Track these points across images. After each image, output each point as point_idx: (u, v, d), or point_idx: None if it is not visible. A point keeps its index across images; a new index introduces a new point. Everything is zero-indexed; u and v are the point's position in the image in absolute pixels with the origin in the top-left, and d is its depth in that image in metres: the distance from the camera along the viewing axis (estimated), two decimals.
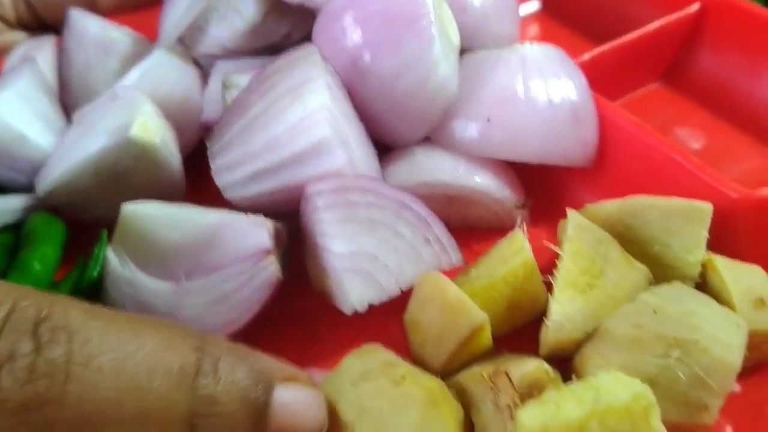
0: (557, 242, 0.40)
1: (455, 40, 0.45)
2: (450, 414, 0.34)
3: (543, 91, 0.45)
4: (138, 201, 0.41)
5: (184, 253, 0.39)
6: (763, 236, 0.42)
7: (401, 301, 0.40)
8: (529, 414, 0.30)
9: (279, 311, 0.41)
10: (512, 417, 0.32)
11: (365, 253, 0.39)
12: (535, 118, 0.44)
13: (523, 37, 0.53)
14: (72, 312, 0.28)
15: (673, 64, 0.57)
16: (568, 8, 0.64)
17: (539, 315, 0.38)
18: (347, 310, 0.39)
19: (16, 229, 0.46)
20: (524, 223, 0.40)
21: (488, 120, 0.44)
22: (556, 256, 0.38)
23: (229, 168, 0.41)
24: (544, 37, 0.63)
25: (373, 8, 0.42)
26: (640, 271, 0.38)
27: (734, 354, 0.33)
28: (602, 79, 0.49)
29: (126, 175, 0.45)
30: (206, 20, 0.50)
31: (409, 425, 0.33)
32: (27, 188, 0.47)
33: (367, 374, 0.35)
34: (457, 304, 0.36)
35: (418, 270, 0.40)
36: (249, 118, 0.41)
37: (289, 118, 0.39)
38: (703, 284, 0.39)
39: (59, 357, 0.27)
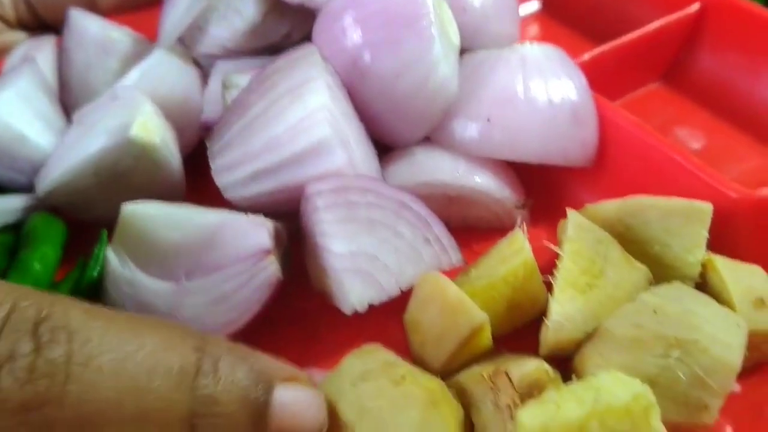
0: (557, 242, 0.40)
1: (455, 40, 0.45)
2: (450, 414, 0.34)
3: (543, 91, 0.45)
4: (138, 201, 0.41)
5: (184, 253, 0.39)
6: (763, 236, 0.42)
7: (401, 301, 0.40)
8: (529, 414, 0.30)
9: (279, 311, 0.41)
10: (512, 417, 0.32)
11: (365, 253, 0.39)
12: (535, 118, 0.44)
13: (523, 37, 0.53)
14: (72, 312, 0.28)
15: (673, 64, 0.57)
16: (568, 8, 0.64)
17: (539, 315, 0.38)
18: (347, 310, 0.39)
19: (16, 229, 0.46)
20: (524, 223, 0.40)
21: (488, 120, 0.44)
22: (556, 256, 0.38)
23: (229, 168, 0.41)
24: (544, 37, 0.63)
25: (373, 8, 0.42)
26: (640, 271, 0.38)
27: (734, 354, 0.33)
28: (602, 79, 0.49)
29: (126, 175, 0.45)
30: (206, 20, 0.50)
31: (409, 425, 0.33)
32: (27, 188, 0.47)
33: (367, 374, 0.35)
34: (457, 304, 0.36)
35: (418, 270, 0.40)
36: (249, 118, 0.41)
37: (289, 118, 0.39)
38: (703, 284, 0.39)
39: (59, 357, 0.27)
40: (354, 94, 0.43)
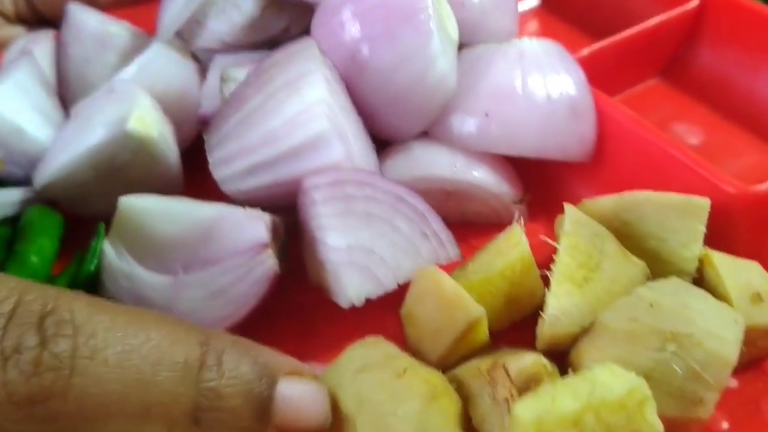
0: (555, 237, 0.40)
1: (454, 35, 0.45)
2: (450, 407, 0.34)
3: (541, 86, 0.45)
4: (135, 194, 0.41)
5: (182, 247, 0.39)
6: (760, 232, 0.42)
7: (398, 295, 0.40)
8: (525, 407, 0.30)
9: (276, 305, 0.41)
10: (510, 410, 0.32)
11: (362, 247, 0.39)
12: (533, 113, 0.44)
13: (522, 33, 0.53)
14: (77, 305, 0.28)
15: (672, 60, 0.57)
16: (567, 4, 0.64)
17: (537, 309, 0.38)
18: (344, 304, 0.39)
19: (14, 222, 0.46)
20: (522, 218, 0.40)
21: (486, 115, 0.44)
22: (554, 250, 0.38)
23: (226, 161, 0.41)
24: (543, 32, 0.63)
25: (371, 2, 0.42)
26: (636, 265, 0.38)
27: (730, 348, 0.33)
28: (601, 75, 0.49)
29: (124, 169, 0.45)
30: (205, 14, 0.50)
31: (409, 418, 0.33)
32: (24, 182, 0.47)
33: (368, 366, 0.35)
34: (454, 298, 0.36)
35: (416, 264, 0.40)
36: (246, 111, 0.41)
37: (286, 111, 0.39)
38: (700, 279, 0.39)
39: (64, 350, 0.27)
40: (352, 88, 0.43)
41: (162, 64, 0.49)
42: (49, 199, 0.46)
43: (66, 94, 0.52)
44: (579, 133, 0.45)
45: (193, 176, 0.47)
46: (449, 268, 0.39)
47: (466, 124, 0.45)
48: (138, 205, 0.41)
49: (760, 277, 0.39)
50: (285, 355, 0.32)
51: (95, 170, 0.44)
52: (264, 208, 0.40)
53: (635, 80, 0.57)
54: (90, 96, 0.48)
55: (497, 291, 0.39)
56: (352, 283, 0.39)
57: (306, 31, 0.46)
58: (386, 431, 0.32)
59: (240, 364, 0.30)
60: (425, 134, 0.46)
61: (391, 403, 0.33)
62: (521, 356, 0.35)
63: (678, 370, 0.33)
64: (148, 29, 0.54)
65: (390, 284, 0.40)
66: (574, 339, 0.37)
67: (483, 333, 0.37)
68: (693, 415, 0.34)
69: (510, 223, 0.41)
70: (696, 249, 0.39)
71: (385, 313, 0.40)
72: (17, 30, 0.61)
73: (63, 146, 0.45)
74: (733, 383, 0.38)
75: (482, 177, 0.45)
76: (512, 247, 0.39)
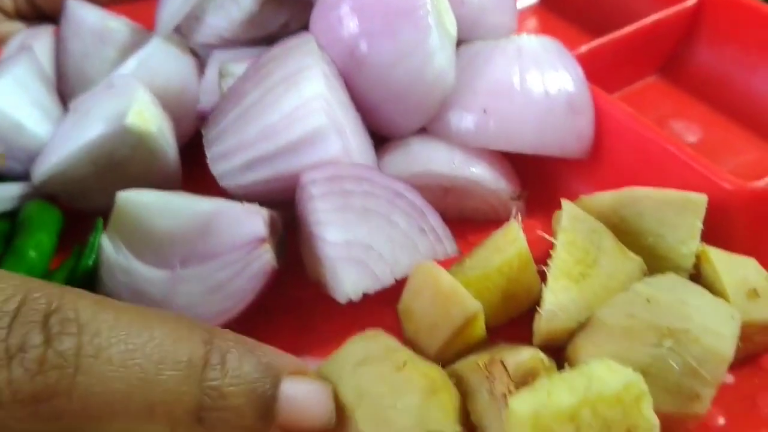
0: (552, 233, 0.40)
1: (452, 31, 0.45)
2: (449, 402, 0.34)
3: (539, 83, 0.45)
4: (133, 189, 0.41)
5: (179, 241, 0.39)
6: (757, 228, 0.42)
7: (396, 290, 0.40)
8: (521, 401, 0.30)
9: (274, 300, 0.41)
10: (507, 405, 0.32)
11: (360, 243, 0.39)
12: (531, 109, 0.44)
13: (521, 31, 0.53)
14: (82, 304, 0.28)
15: (670, 58, 0.57)
16: (566, 2, 0.64)
17: (534, 305, 0.38)
18: (341, 299, 0.39)
19: (12, 217, 0.46)
20: (519, 214, 0.41)
21: (484, 111, 0.44)
22: (551, 246, 0.38)
23: (224, 156, 0.41)
24: (542, 30, 0.63)
25: None
26: (633, 261, 0.39)
27: (726, 344, 0.33)
28: (599, 72, 0.49)
29: (122, 164, 0.45)
30: (203, 10, 0.50)
31: (409, 411, 0.33)
32: (23, 177, 0.47)
33: (369, 359, 0.35)
34: (451, 294, 0.36)
35: (413, 259, 0.40)
36: (244, 106, 0.41)
37: (284, 106, 0.39)
38: (697, 276, 0.39)
39: (69, 349, 0.27)
40: (350, 83, 0.43)
41: (161, 60, 0.50)
42: (48, 194, 0.46)
43: (65, 89, 0.52)
44: (577, 130, 0.46)
45: (192, 171, 0.47)
46: (447, 263, 0.39)
47: (464, 121, 0.45)
48: (136, 200, 0.41)
49: (756, 273, 0.39)
50: (289, 355, 0.32)
51: (94, 165, 0.44)
52: (262, 203, 0.40)
53: (633, 77, 0.57)
54: (89, 91, 0.48)
55: (494, 287, 0.39)
56: (349, 278, 0.39)
57: (305, 27, 0.46)
58: (386, 424, 0.32)
59: (244, 363, 0.30)
60: (423, 130, 0.46)
61: (391, 396, 0.33)
62: (518, 351, 0.35)
63: (675, 365, 0.33)
64: (147, 25, 0.54)
65: (387, 279, 0.40)
66: (571, 335, 0.37)
67: (480, 328, 0.37)
68: (689, 411, 0.34)
69: (507, 219, 0.41)
70: (693, 245, 0.39)
71: (382, 309, 0.40)
72: (17, 25, 0.61)
73: (61, 141, 0.45)
74: (730, 379, 0.38)
75: (480, 173, 0.45)
76: (510, 243, 0.39)
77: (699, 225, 0.39)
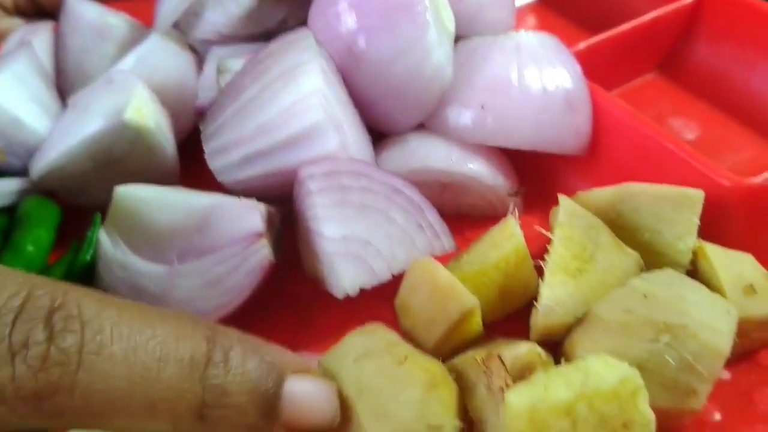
0: (550, 229, 0.40)
1: (450, 26, 0.45)
2: (449, 396, 0.34)
3: (537, 79, 0.45)
4: (131, 184, 0.41)
5: (177, 236, 0.39)
6: (754, 224, 0.42)
7: (393, 285, 0.40)
8: (518, 395, 0.30)
9: (271, 295, 0.41)
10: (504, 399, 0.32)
11: (357, 238, 0.39)
12: (529, 105, 0.44)
13: (519, 28, 0.53)
14: (85, 301, 0.28)
15: (669, 55, 0.57)
16: None
17: (531, 301, 0.38)
18: (339, 294, 0.39)
19: (11, 212, 0.46)
20: (517, 210, 0.40)
21: (482, 107, 0.44)
22: (548, 243, 0.38)
23: (222, 151, 0.41)
24: (541, 27, 0.63)
25: None
26: (630, 256, 0.39)
27: (723, 339, 0.33)
28: (598, 69, 0.49)
29: (121, 159, 0.45)
30: (202, 6, 0.50)
31: (410, 404, 0.33)
32: (22, 172, 0.47)
33: (370, 352, 0.35)
34: (448, 289, 0.36)
35: (410, 255, 0.40)
36: (242, 101, 0.41)
37: (282, 101, 0.40)
38: (694, 271, 0.39)
39: (71, 346, 0.27)
40: (348, 79, 0.43)
41: (160, 56, 0.50)
42: (47, 189, 0.46)
43: (64, 85, 0.52)
44: (575, 126, 0.46)
45: (190, 167, 0.47)
46: (444, 259, 0.40)
47: (462, 117, 0.45)
48: (134, 195, 0.41)
49: (753, 270, 0.39)
50: (293, 353, 0.32)
51: (92, 160, 0.44)
52: (259, 199, 0.40)
53: (632, 75, 0.57)
54: (88, 87, 0.48)
55: (491, 282, 0.39)
56: (346, 273, 0.39)
57: (303, 23, 0.46)
58: (387, 418, 0.32)
59: (247, 361, 0.30)
60: (421, 126, 0.46)
61: (392, 390, 0.33)
62: (516, 346, 0.35)
63: (671, 361, 0.33)
64: (145, 21, 0.54)
65: (384, 275, 0.40)
66: (568, 330, 0.37)
67: (477, 324, 0.37)
68: (686, 406, 0.34)
69: (505, 215, 0.41)
70: (690, 241, 0.39)
71: (379, 304, 0.40)
72: (16, 21, 0.61)
73: (60, 136, 0.45)
74: (726, 375, 0.38)
75: (478, 169, 0.45)
76: (507, 239, 0.39)
77: (696, 221, 0.39)
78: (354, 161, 0.40)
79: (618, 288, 0.36)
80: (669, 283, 0.36)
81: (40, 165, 0.45)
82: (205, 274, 0.39)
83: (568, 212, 0.39)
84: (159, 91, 0.47)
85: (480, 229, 0.43)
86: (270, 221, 0.39)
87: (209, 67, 0.49)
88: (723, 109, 0.54)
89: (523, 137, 0.45)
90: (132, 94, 0.44)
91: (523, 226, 0.39)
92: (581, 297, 0.37)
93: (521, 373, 0.34)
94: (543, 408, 0.30)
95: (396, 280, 0.40)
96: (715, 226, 0.40)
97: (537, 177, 0.48)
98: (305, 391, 0.31)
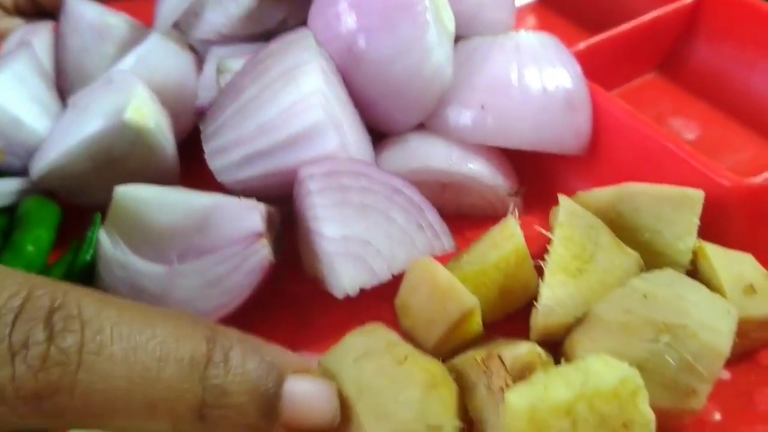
0: (550, 229, 0.40)
1: (450, 26, 0.45)
2: (449, 396, 0.34)
3: (537, 79, 0.45)
4: (131, 184, 0.41)
5: (177, 236, 0.39)
6: (754, 224, 0.42)
7: (393, 285, 0.40)
8: (518, 395, 0.30)
9: (271, 295, 0.41)
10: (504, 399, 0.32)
11: (357, 238, 0.39)
12: (529, 105, 0.44)
13: (520, 28, 0.53)
14: (85, 301, 0.28)
15: (669, 55, 0.57)
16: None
17: (530, 301, 0.38)
18: (339, 294, 0.39)
19: (11, 212, 0.46)
20: (517, 210, 0.40)
21: (482, 107, 0.44)
22: (548, 243, 0.38)
23: (222, 151, 0.41)
24: (541, 27, 0.63)
25: None
26: (630, 256, 0.39)
27: (723, 340, 0.33)
28: (598, 69, 0.49)
29: (121, 159, 0.45)
30: (202, 6, 0.50)
31: (410, 404, 0.33)
32: (22, 172, 0.47)
33: (369, 352, 0.35)
34: (448, 289, 0.36)
35: (410, 255, 0.40)
36: (242, 101, 0.41)
37: (282, 101, 0.40)
38: (694, 271, 0.39)
39: (71, 346, 0.27)
40: (349, 79, 0.43)
41: (160, 56, 0.50)
42: (47, 189, 0.46)
43: (64, 85, 0.52)
44: (575, 126, 0.46)
45: (190, 167, 0.47)
46: (444, 259, 0.40)
47: (462, 117, 0.45)
48: (133, 195, 0.41)
49: (753, 270, 0.39)
50: (293, 353, 0.32)
51: (92, 160, 0.44)
52: (259, 199, 0.40)
53: (632, 75, 0.57)
54: (88, 87, 0.48)
55: (491, 282, 0.39)
56: (346, 273, 0.39)
57: (303, 23, 0.46)
58: (387, 418, 0.32)
59: (247, 361, 0.30)
60: (421, 126, 0.46)
61: (392, 390, 0.33)
62: (516, 346, 0.35)
63: (671, 361, 0.33)
64: (146, 21, 0.54)
65: (384, 275, 0.40)
66: (568, 330, 0.37)
67: (476, 324, 0.37)
68: (686, 406, 0.34)
69: (505, 215, 0.41)
70: (690, 241, 0.39)
71: (379, 304, 0.40)
72: (16, 21, 0.61)
73: (60, 136, 0.45)
74: (726, 375, 0.38)
75: (478, 169, 0.45)
76: (507, 239, 0.39)
77: (696, 221, 0.39)
78: (354, 161, 0.40)
79: (618, 288, 0.36)
80: (669, 283, 0.36)
81: (40, 165, 0.45)
82: (205, 274, 0.39)
83: (568, 212, 0.39)
84: (159, 91, 0.47)
85: (480, 229, 0.43)
86: (270, 221, 0.39)
87: (209, 67, 0.49)
88: (723, 109, 0.54)
89: (523, 137, 0.45)
90: (132, 94, 0.44)
91: (523, 226, 0.39)
92: (581, 297, 0.37)
93: (521, 373, 0.34)
94: (543, 408, 0.30)
95: (396, 280, 0.40)
96: (715, 226, 0.40)
97: (537, 177, 0.48)
98: (305, 391, 0.31)
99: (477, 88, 0.45)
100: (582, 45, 0.51)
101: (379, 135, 0.46)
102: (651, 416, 0.30)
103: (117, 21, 0.53)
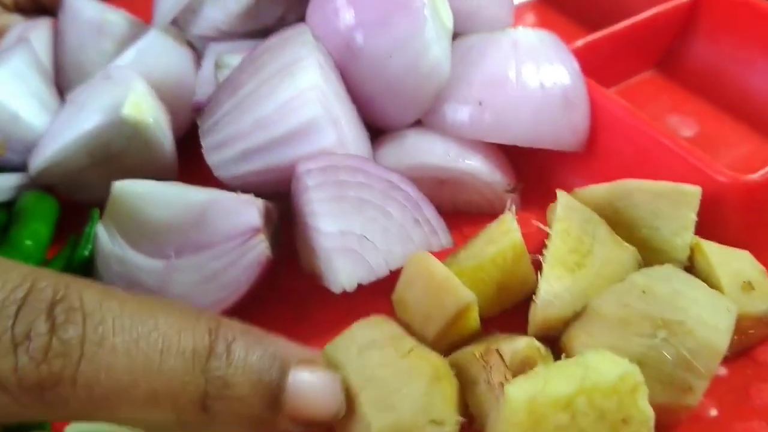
0: (547, 226, 0.40)
1: (448, 23, 0.45)
2: (450, 391, 0.34)
3: (535, 76, 0.45)
4: (129, 179, 0.41)
5: (174, 231, 0.39)
6: (752, 221, 0.42)
7: (390, 281, 0.40)
8: (517, 388, 0.30)
9: (269, 291, 0.41)
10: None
11: (355, 233, 0.39)
12: (526, 101, 0.44)
13: (518, 25, 0.53)
14: (87, 293, 0.28)
15: (667, 53, 0.57)
16: None
17: (528, 297, 0.38)
18: (336, 289, 0.39)
19: (9, 207, 0.46)
20: (514, 207, 0.40)
21: (480, 103, 0.44)
22: (545, 239, 0.38)
23: (219, 146, 0.41)
24: (540, 25, 0.63)
25: None
26: (628, 251, 0.39)
27: (720, 337, 0.33)
28: (596, 66, 0.49)
29: (119, 155, 0.45)
30: (200, 2, 0.50)
31: (414, 397, 0.33)
32: (20, 168, 0.47)
33: (375, 343, 0.35)
34: (444, 284, 0.36)
35: (408, 250, 0.40)
36: (240, 96, 0.41)
37: (279, 97, 0.40)
38: (692, 268, 0.39)
39: (73, 337, 0.27)
40: (346, 75, 0.43)
41: (158, 52, 0.50)
42: (45, 184, 0.46)
43: (63, 81, 0.53)
44: (572, 123, 0.46)
45: (188, 163, 0.47)
46: (441, 255, 0.39)
47: (459, 113, 0.45)
48: (131, 190, 0.41)
49: (750, 266, 0.39)
50: (298, 345, 0.32)
51: (90, 156, 0.44)
52: (257, 194, 0.40)
53: (630, 72, 0.57)
54: (86, 82, 0.48)
55: (489, 278, 0.39)
56: (344, 268, 0.39)
57: (301, 20, 0.46)
58: (391, 409, 0.32)
59: (250, 352, 0.30)
60: (419, 123, 0.46)
61: (397, 382, 0.33)
62: (514, 340, 0.35)
63: (668, 357, 0.33)
64: (144, 17, 0.54)
65: (382, 270, 0.40)
66: (566, 324, 0.37)
67: (473, 319, 0.37)
68: (682, 402, 0.34)
69: (502, 212, 0.41)
70: (687, 236, 0.39)
71: (376, 299, 0.40)
72: (15, 18, 0.61)
73: (58, 132, 0.45)
74: (722, 371, 0.38)
75: (475, 165, 0.45)
76: (504, 234, 0.39)
77: (693, 216, 0.39)
78: (351, 156, 0.40)
79: (617, 282, 0.36)
80: (669, 278, 0.36)
81: (38, 160, 0.45)
82: (202, 269, 0.39)
83: (565, 207, 0.39)
84: (157, 86, 0.47)
85: (477, 226, 0.43)
86: (268, 216, 0.39)
87: (207, 63, 0.49)
88: (721, 107, 0.54)
89: (520, 134, 0.45)
90: (130, 89, 0.44)
91: (520, 223, 0.39)
92: (579, 291, 0.37)
93: (520, 368, 0.34)
94: (542, 401, 0.29)
95: (393, 276, 0.40)
96: (712, 223, 0.40)
97: (534, 174, 0.48)
98: (310, 383, 0.31)
99: (474, 85, 0.45)
100: (580, 42, 0.51)
101: (376, 131, 0.46)
102: (650, 413, 0.30)
103: (115, 17, 0.53)
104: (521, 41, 0.46)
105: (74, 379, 0.27)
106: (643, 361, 0.33)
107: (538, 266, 0.38)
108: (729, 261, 0.39)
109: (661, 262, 0.38)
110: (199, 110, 0.46)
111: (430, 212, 0.41)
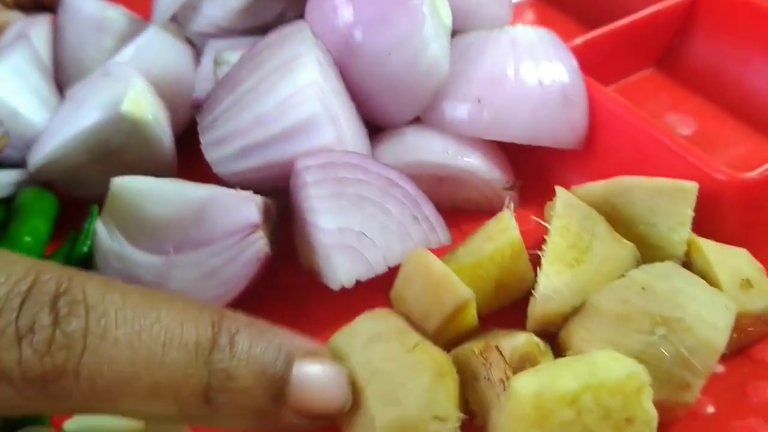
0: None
1: (447, 21, 0.45)
2: (453, 388, 0.34)
3: (533, 73, 0.45)
4: (128, 175, 0.41)
5: (173, 227, 0.39)
6: (749, 219, 0.42)
7: (388, 277, 0.40)
8: (523, 382, 0.30)
9: (267, 287, 0.41)
10: (505, 390, 0.32)
11: (353, 230, 0.39)
12: (525, 99, 0.44)
13: (517, 23, 0.53)
14: (90, 286, 0.28)
15: (666, 51, 0.57)
16: None
17: (526, 294, 0.38)
18: (335, 286, 0.39)
19: (8, 203, 0.46)
20: (513, 204, 0.41)
21: (478, 101, 0.44)
22: (544, 237, 0.38)
23: (218, 143, 0.41)
24: (539, 22, 0.63)
25: None
26: (627, 246, 0.38)
27: (719, 335, 0.33)
28: (595, 64, 0.49)
29: (118, 151, 0.45)
30: None
31: (418, 391, 0.33)
32: (20, 164, 0.47)
33: (380, 336, 0.35)
34: (442, 280, 0.36)
35: (406, 247, 0.40)
36: (239, 93, 0.41)
37: (278, 93, 0.40)
38: (689, 265, 0.39)
39: (76, 330, 0.27)
40: (345, 72, 0.43)
41: (157, 49, 0.50)
42: (44, 181, 0.46)
43: (62, 77, 0.53)
44: (571, 121, 0.46)
45: (188, 160, 0.47)
46: (440, 252, 0.39)
47: (458, 110, 0.45)
48: (130, 186, 0.41)
49: (748, 264, 0.39)
50: (303, 337, 0.32)
51: (90, 152, 0.44)
52: (256, 191, 0.40)
53: (629, 70, 0.57)
54: (85, 79, 0.48)
55: (487, 275, 0.39)
56: (342, 265, 0.39)
57: (300, 17, 0.46)
58: (396, 403, 0.32)
59: (254, 345, 0.30)
60: (417, 120, 0.46)
61: (402, 376, 0.33)
62: (513, 336, 0.35)
63: (666, 354, 0.33)
64: (144, 14, 0.54)
65: (380, 267, 0.40)
66: (565, 319, 0.37)
67: (471, 316, 0.37)
68: (679, 399, 0.34)
69: (501, 209, 0.41)
70: (684, 232, 0.39)
71: (375, 296, 0.40)
72: (15, 15, 0.61)
73: (57, 128, 0.45)
74: (720, 368, 0.38)
75: (474, 163, 0.45)
76: (502, 231, 0.39)
77: (690, 212, 0.39)
78: (350, 153, 0.40)
79: (616, 279, 0.36)
80: (668, 275, 0.36)
81: (37, 157, 0.45)
82: (201, 265, 0.39)
83: (564, 203, 0.39)
84: (156, 83, 0.47)
85: (476, 223, 0.43)
86: (266, 213, 0.39)
87: (207, 60, 0.49)
88: (719, 105, 0.54)
89: (519, 131, 0.45)
90: (129, 86, 0.44)
91: (518, 220, 0.39)
92: (578, 287, 0.36)
93: (520, 364, 0.34)
94: (549, 396, 0.29)
95: (392, 273, 0.40)
96: (710, 221, 0.40)
97: (533, 171, 0.48)
98: (315, 375, 0.31)
99: (473, 82, 0.45)
100: (579, 40, 0.51)
101: (375, 128, 0.46)
102: (654, 414, 0.30)
103: (115, 14, 0.53)
104: (520, 39, 0.46)
105: (77, 371, 0.27)
106: (641, 357, 0.33)
107: (536, 263, 0.38)
108: (727, 259, 0.39)
109: (659, 259, 0.38)
110: (198, 107, 0.46)
111: (428, 209, 0.41)
